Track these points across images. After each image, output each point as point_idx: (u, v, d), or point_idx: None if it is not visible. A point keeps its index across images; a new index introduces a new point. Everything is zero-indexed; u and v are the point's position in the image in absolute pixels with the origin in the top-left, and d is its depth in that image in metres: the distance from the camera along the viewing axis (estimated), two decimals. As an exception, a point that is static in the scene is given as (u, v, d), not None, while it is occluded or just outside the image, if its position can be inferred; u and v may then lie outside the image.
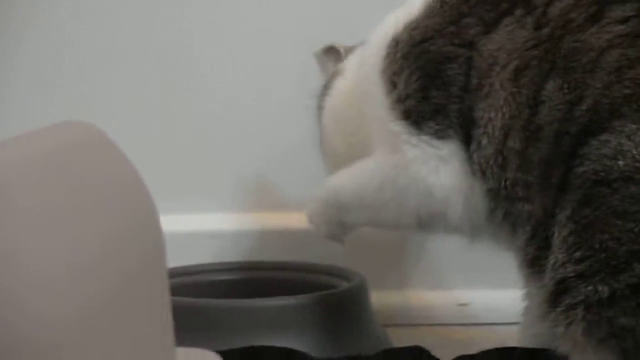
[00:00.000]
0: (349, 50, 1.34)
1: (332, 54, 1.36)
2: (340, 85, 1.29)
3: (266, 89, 1.61)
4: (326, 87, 1.32)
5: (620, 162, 0.95)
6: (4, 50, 1.61)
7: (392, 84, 1.12)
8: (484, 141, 1.05)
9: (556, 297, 0.97)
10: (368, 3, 1.35)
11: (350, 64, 1.29)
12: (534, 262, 1.03)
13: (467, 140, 1.08)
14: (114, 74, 1.61)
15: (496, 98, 1.04)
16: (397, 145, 1.12)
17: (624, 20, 1.01)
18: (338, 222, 1.23)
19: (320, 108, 1.32)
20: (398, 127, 1.11)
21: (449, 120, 1.08)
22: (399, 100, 1.11)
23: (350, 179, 1.19)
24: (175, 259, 1.24)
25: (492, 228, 1.09)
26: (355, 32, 1.30)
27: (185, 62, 1.61)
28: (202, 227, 1.60)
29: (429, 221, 1.14)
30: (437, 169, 1.09)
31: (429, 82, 1.10)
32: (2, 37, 1.61)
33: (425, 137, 1.10)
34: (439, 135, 1.09)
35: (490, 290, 1.53)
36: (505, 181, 1.04)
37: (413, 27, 1.12)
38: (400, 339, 1.34)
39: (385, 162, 1.14)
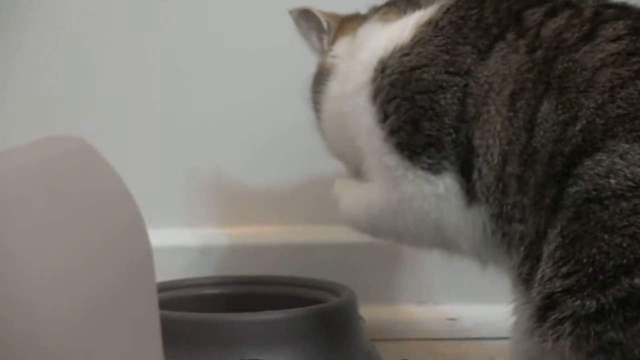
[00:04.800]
0: (332, 24, 1.27)
1: (312, 20, 1.28)
2: (334, 89, 1.23)
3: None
4: (319, 83, 1.26)
5: (612, 181, 0.95)
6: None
7: (384, 114, 1.11)
8: (485, 169, 1.04)
9: (544, 312, 0.97)
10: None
11: (342, 63, 1.23)
12: (526, 280, 1.02)
13: (466, 170, 1.06)
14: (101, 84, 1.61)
15: (493, 124, 1.03)
16: (395, 180, 1.11)
17: (617, 39, 1.01)
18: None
19: (316, 104, 1.26)
20: (393, 162, 1.10)
21: (444, 152, 1.07)
22: (392, 132, 1.10)
23: (361, 210, 1.18)
24: (164, 274, 1.24)
25: (492, 250, 1.08)
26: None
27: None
28: (191, 241, 1.59)
29: (446, 248, 1.14)
30: (439, 205, 1.09)
31: (420, 113, 1.08)
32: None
33: (420, 173, 1.08)
34: (434, 169, 1.08)
35: (480, 305, 1.53)
36: (507, 206, 1.03)
37: (404, 52, 1.11)
38: (389, 354, 1.33)
39: (390, 198, 1.12)
